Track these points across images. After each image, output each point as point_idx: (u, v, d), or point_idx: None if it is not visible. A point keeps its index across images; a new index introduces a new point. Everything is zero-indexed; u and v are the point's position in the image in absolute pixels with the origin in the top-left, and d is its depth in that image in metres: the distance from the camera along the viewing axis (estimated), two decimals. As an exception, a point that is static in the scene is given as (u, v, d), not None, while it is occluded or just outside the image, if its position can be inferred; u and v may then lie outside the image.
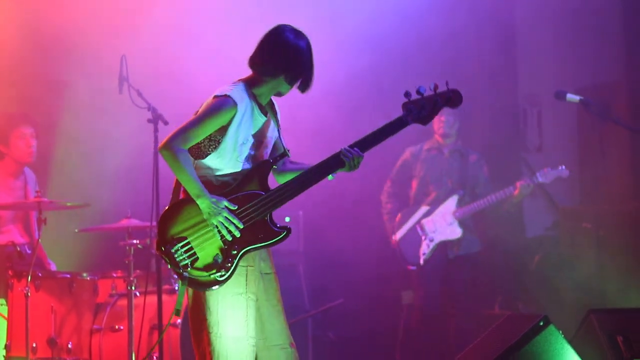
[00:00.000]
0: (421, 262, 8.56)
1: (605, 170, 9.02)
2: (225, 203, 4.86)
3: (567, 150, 8.65)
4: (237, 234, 4.85)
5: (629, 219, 8.60)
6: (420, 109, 5.04)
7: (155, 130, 6.95)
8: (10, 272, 7.41)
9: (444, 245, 8.56)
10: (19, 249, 7.52)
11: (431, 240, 8.57)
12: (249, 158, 5.03)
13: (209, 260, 4.85)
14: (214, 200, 4.84)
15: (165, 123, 7.01)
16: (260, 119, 5.05)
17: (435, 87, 5.07)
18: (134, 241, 7.44)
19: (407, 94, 5.04)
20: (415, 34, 9.21)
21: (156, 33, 8.70)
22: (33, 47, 8.62)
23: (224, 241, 4.86)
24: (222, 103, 4.90)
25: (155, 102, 7.09)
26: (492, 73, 9.78)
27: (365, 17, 9.24)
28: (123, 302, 7.50)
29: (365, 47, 9.22)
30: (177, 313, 4.97)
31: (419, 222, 8.67)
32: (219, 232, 4.85)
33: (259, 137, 5.08)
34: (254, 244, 4.91)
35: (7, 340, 7.40)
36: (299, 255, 9.50)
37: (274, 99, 5.21)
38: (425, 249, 8.58)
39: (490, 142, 8.92)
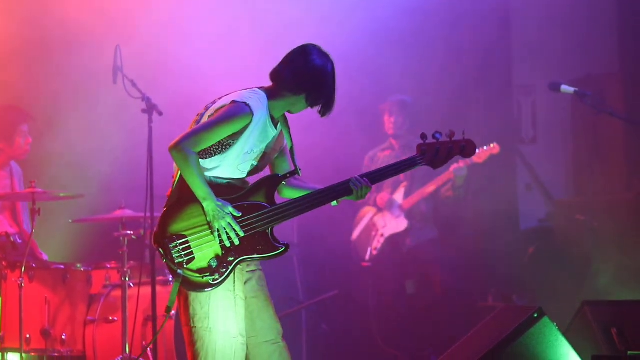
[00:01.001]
0: (367, 257, 8.71)
1: (599, 162, 9.05)
2: (230, 209, 4.87)
3: (561, 141, 8.64)
4: (237, 242, 4.86)
5: (623, 210, 8.61)
6: (434, 154, 5.04)
7: (150, 120, 6.94)
8: (4, 263, 7.39)
9: (395, 239, 8.65)
10: (12, 239, 7.49)
11: (382, 236, 8.70)
12: (248, 168, 5.03)
13: (204, 262, 4.85)
14: (219, 204, 4.85)
15: (160, 113, 7.00)
16: (272, 132, 5.04)
17: (452, 134, 5.04)
18: (128, 232, 7.44)
19: (423, 136, 5.03)
20: (410, 25, 9.19)
21: (151, 23, 8.69)
22: (27, 39, 8.59)
23: (222, 246, 4.87)
24: (240, 110, 4.86)
25: (150, 93, 7.07)
26: (486, 64, 9.77)
27: (360, 6, 9.24)
28: (117, 293, 7.50)
29: (360, 37, 9.20)
30: (169, 310, 4.96)
31: (371, 219, 8.81)
32: (219, 236, 4.85)
33: (265, 149, 5.07)
34: (251, 255, 4.91)
35: (0, 332, 7.38)
36: (293, 247, 9.40)
37: (287, 115, 5.20)
38: (376, 244, 8.72)
39: (485, 134, 8.91)
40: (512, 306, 7.90)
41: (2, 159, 8.08)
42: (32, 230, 7.42)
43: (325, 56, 5.04)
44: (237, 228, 4.86)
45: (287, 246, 4.95)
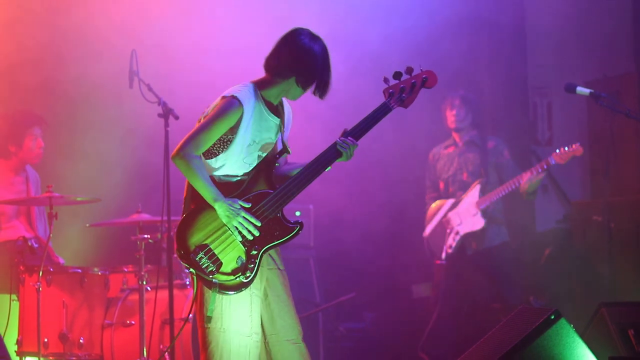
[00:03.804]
0: (443, 255, 8.55)
1: (615, 163, 9.01)
2: (241, 203, 4.92)
3: (577, 142, 8.62)
4: (257, 233, 4.90)
5: (640, 211, 8.58)
6: (400, 93, 5.15)
7: (166, 124, 6.95)
8: (21, 267, 7.42)
9: (469, 238, 8.52)
10: (30, 243, 7.52)
11: (457, 234, 8.54)
12: (255, 160, 5.08)
13: (233, 263, 4.90)
14: (229, 202, 4.90)
15: (176, 117, 7.02)
16: (272, 120, 5.09)
17: (410, 69, 5.18)
18: (145, 236, 7.45)
19: (385, 80, 5.15)
20: (426, 27, 9.19)
21: (167, 27, 8.71)
22: (43, 43, 8.62)
23: (244, 243, 4.91)
24: (229, 104, 4.94)
25: (166, 97, 7.09)
26: (501, 66, 9.76)
27: (376, 6, 9.24)
28: (134, 296, 7.51)
29: (372, 38, 9.21)
30: (209, 321, 4.97)
31: (445, 216, 8.65)
32: (240, 233, 4.89)
33: (270, 139, 5.12)
34: (272, 242, 4.97)
35: (18, 336, 7.41)
36: (309, 249, 9.50)
37: (287, 101, 5.24)
38: (451, 242, 8.56)
39: (500, 136, 8.90)
40: (529, 308, 7.86)
41: (16, 163, 8.10)
42: (50, 235, 7.45)
43: (313, 38, 5.08)
44: (253, 219, 4.91)
45: (301, 224, 5.02)
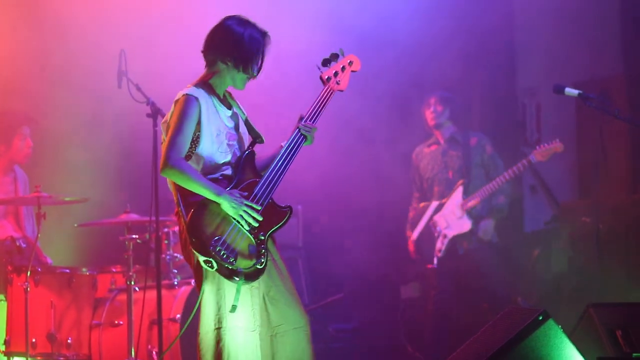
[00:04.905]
0: (435, 260, 8.53)
1: (604, 164, 9.02)
2: (240, 193, 5.02)
3: (565, 144, 8.63)
4: (260, 219, 5.01)
5: (628, 213, 8.59)
6: (335, 77, 5.45)
7: (155, 124, 6.93)
8: (9, 267, 7.40)
9: (458, 240, 8.51)
10: (18, 243, 7.50)
11: (445, 237, 8.53)
12: (230, 149, 5.19)
13: (246, 251, 4.98)
14: (229, 193, 4.99)
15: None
16: (226, 111, 5.24)
17: (336, 55, 5.49)
18: (133, 236, 7.44)
19: (318, 67, 5.45)
20: (416, 28, 9.18)
21: (155, 26, 8.68)
22: (31, 42, 8.60)
23: (250, 231, 5.00)
24: (187, 102, 5.07)
25: (155, 97, 7.08)
26: (490, 66, 9.77)
27: (365, 10, 9.24)
28: (122, 297, 7.50)
29: (372, 45, 9.21)
30: (234, 309, 4.99)
31: (431, 219, 8.64)
32: (246, 222, 4.98)
33: (232, 128, 5.25)
34: (274, 226, 5.10)
35: (6, 336, 7.39)
36: (298, 249, 9.51)
37: (232, 90, 5.39)
38: (440, 246, 8.54)
39: (489, 136, 8.90)
40: (516, 308, 7.87)
41: (4, 163, 8.08)
42: (38, 235, 7.43)
43: (242, 22, 5.27)
44: (254, 206, 5.01)
45: (290, 208, 5.19)
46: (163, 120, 5.23)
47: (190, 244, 4.94)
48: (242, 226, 4.98)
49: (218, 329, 4.99)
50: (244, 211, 4.96)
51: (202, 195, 4.99)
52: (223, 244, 4.91)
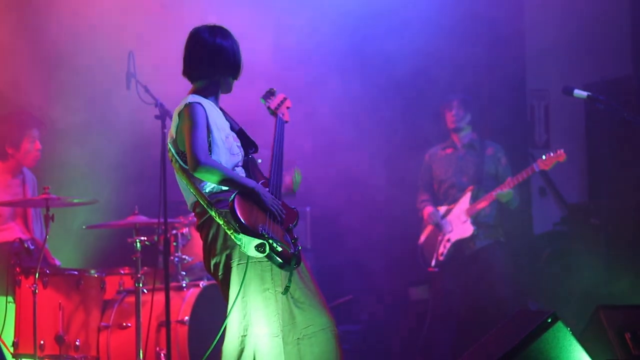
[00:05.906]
0: (433, 263, 8.52)
1: (613, 166, 9.02)
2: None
3: (574, 145, 8.64)
4: (284, 212, 5.11)
5: (638, 214, 8.58)
6: (279, 106, 5.64)
7: (163, 126, 6.92)
8: (17, 269, 7.40)
9: (460, 244, 8.50)
10: (26, 245, 7.51)
11: (448, 241, 8.52)
12: (240, 150, 5.25)
13: (282, 239, 5.00)
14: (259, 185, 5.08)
15: (173, 120, 6.99)
16: (225, 115, 5.32)
17: (273, 91, 5.68)
18: (142, 238, 7.43)
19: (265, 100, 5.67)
20: (425, 30, 9.18)
21: (163, 27, 8.68)
22: (40, 44, 8.60)
23: (279, 221, 5.06)
24: (194, 109, 5.10)
25: (163, 98, 7.08)
26: (499, 68, 9.76)
27: (377, 19, 9.25)
28: (131, 299, 7.50)
29: (374, 41, 9.22)
30: (287, 291, 5.03)
31: (437, 223, 8.62)
32: (278, 213, 5.05)
33: (234, 131, 5.31)
34: (291, 222, 5.15)
35: (15, 337, 7.40)
36: (307, 251, 9.49)
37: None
38: (442, 249, 8.53)
39: (497, 138, 8.90)
40: (526, 311, 7.87)
41: (13, 165, 8.07)
42: (46, 237, 7.43)
43: (212, 30, 5.31)
44: (277, 201, 5.11)
45: (296, 209, 5.27)
46: (169, 135, 5.24)
47: (240, 230, 4.88)
48: (278, 215, 5.02)
49: (243, 336, 4.99)
50: (273, 203, 5.03)
51: (230, 192, 5.00)
52: (268, 230, 4.91)
